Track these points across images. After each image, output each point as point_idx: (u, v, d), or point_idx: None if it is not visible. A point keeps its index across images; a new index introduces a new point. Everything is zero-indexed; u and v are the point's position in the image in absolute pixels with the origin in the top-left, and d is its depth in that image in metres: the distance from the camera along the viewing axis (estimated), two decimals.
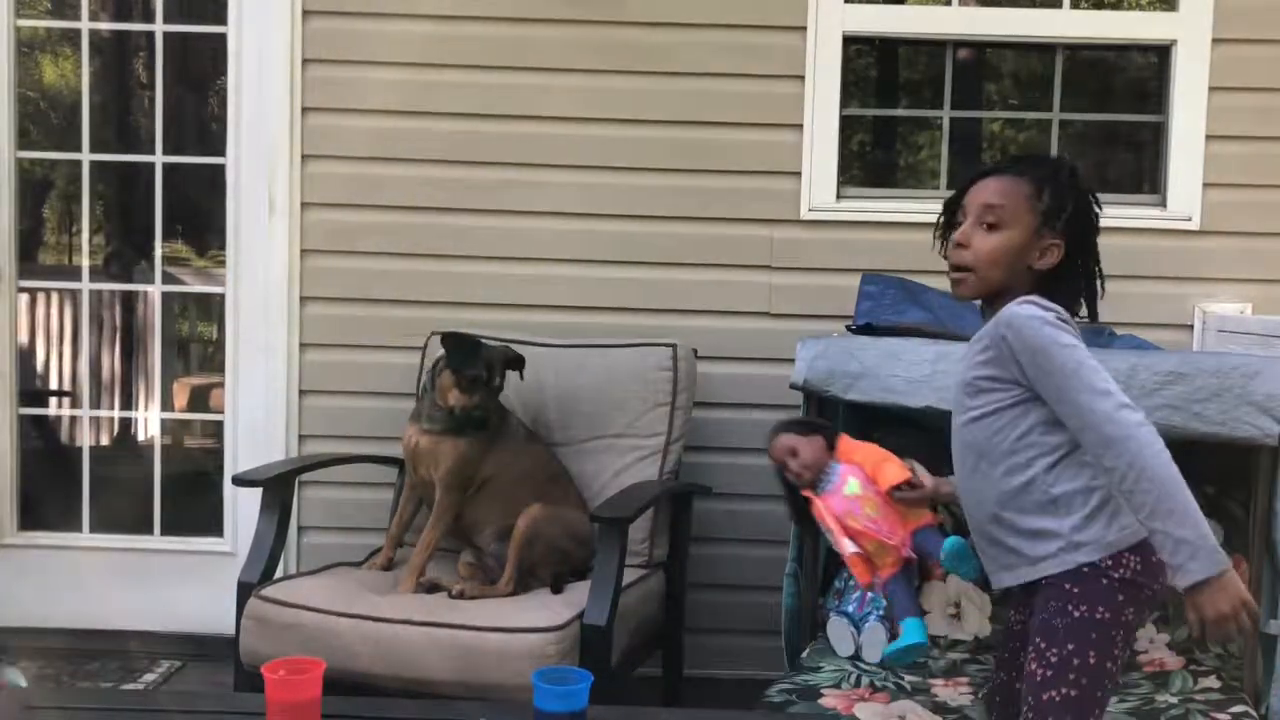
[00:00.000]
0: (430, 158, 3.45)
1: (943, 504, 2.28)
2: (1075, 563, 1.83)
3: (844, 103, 3.43)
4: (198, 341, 4.36)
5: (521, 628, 2.53)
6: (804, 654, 2.78)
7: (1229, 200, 3.38)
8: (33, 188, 3.91)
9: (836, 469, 2.15)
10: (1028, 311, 1.83)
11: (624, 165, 3.43)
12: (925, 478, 2.12)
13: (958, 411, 1.95)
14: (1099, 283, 1.95)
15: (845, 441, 2.21)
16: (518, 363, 3.03)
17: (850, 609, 2.79)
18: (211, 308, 3.90)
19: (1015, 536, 1.88)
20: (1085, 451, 1.81)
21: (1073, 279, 1.93)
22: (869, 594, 2.80)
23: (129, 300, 4.24)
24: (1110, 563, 1.82)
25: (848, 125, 3.50)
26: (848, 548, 2.10)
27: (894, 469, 2.11)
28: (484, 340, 3.00)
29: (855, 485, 2.12)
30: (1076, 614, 1.81)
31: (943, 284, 2.59)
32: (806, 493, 2.18)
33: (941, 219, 2.03)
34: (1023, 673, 1.88)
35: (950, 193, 2.02)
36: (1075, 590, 1.82)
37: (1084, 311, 1.95)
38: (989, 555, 1.95)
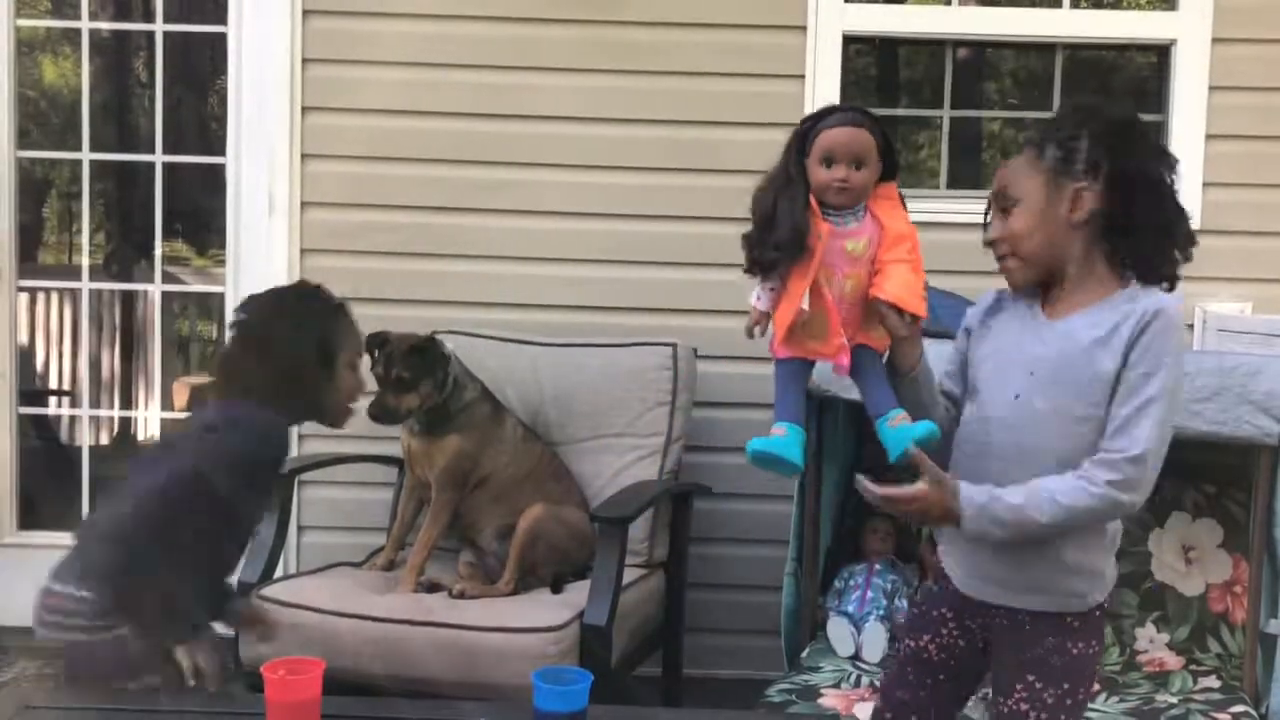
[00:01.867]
0: (430, 157, 3.45)
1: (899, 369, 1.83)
2: (1095, 601, 1.75)
3: (844, 102, 3.43)
4: (197, 341, 4.37)
5: (521, 628, 2.53)
6: (804, 654, 2.78)
7: (1229, 200, 3.38)
8: (33, 187, 3.91)
9: (862, 213, 1.81)
10: (1174, 306, 1.71)
11: (624, 165, 3.43)
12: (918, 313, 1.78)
13: (1054, 405, 1.70)
14: (1183, 226, 1.76)
15: (890, 193, 1.84)
16: (419, 352, 2.88)
17: (850, 609, 2.79)
18: (211, 307, 3.90)
19: (1058, 564, 1.72)
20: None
21: (1141, 227, 1.73)
22: (869, 594, 2.81)
23: (129, 300, 4.25)
24: (1107, 599, 1.79)
25: None
26: (805, 302, 1.76)
27: (908, 284, 1.77)
28: (397, 335, 2.91)
29: (861, 247, 1.78)
30: (1075, 650, 1.72)
31: (940, 284, 2.59)
32: (817, 211, 1.78)
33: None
34: (941, 699, 1.85)
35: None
36: (1077, 625, 1.73)
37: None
38: (1000, 563, 1.74)
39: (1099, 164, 1.71)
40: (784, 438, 1.81)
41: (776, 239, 1.78)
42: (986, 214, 1.84)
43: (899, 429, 1.76)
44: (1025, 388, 1.73)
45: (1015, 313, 1.83)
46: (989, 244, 1.81)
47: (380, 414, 2.83)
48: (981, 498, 1.68)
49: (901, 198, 1.84)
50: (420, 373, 2.86)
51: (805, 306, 1.75)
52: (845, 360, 1.78)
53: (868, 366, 1.83)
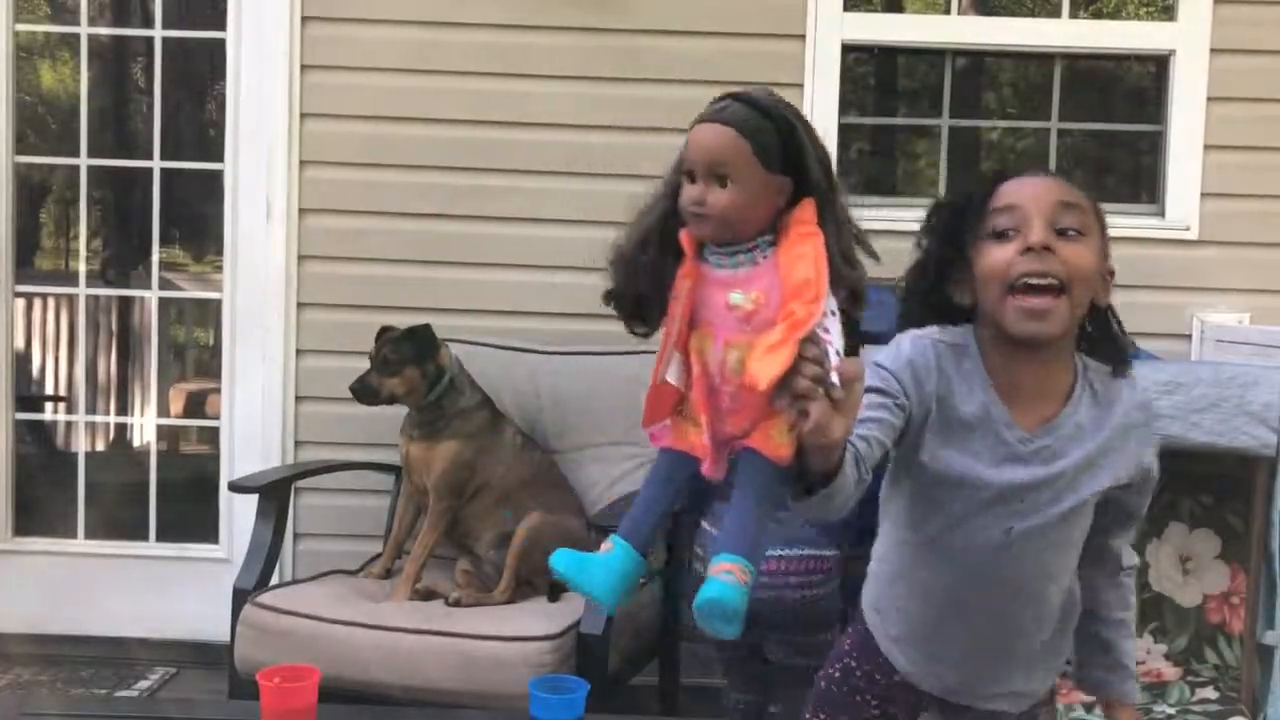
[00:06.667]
0: (428, 164, 3.45)
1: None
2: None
3: (842, 111, 3.42)
4: (194, 347, 4.36)
5: (518, 636, 2.53)
6: None
7: (1227, 210, 3.38)
8: (30, 192, 3.90)
9: (764, 252, 1.29)
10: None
11: (622, 172, 3.42)
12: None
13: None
14: None
15: (804, 216, 1.29)
16: (409, 337, 2.97)
17: None
18: (208, 313, 3.90)
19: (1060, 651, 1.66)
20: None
21: None
22: None
23: (126, 305, 4.24)
24: None
25: (846, 133, 3.49)
26: (669, 373, 1.29)
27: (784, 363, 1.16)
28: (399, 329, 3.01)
29: (749, 302, 1.26)
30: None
31: None
32: (688, 241, 1.35)
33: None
34: None
35: None
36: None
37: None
38: (1013, 673, 1.62)
39: None
40: (603, 559, 1.31)
41: (614, 282, 1.38)
42: (977, 205, 1.56)
43: (715, 581, 1.24)
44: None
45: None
46: (1043, 248, 1.51)
47: (360, 389, 2.95)
48: (1133, 691, 1.64)
49: (828, 217, 1.31)
50: (406, 357, 2.94)
51: (670, 379, 1.29)
52: (711, 467, 1.28)
53: (746, 478, 1.27)
